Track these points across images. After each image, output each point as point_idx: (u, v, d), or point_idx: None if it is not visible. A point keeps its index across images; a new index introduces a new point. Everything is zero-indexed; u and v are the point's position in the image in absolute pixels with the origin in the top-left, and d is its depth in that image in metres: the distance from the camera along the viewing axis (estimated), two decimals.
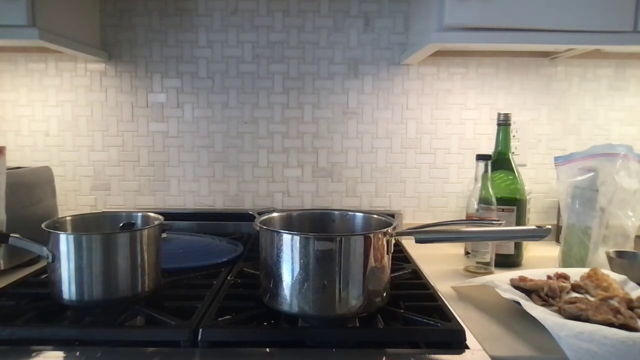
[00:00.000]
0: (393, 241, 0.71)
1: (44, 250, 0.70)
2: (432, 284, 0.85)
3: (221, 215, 1.27)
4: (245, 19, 1.26)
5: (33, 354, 0.61)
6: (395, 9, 1.26)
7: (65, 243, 0.69)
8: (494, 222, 0.78)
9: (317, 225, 0.85)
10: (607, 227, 0.97)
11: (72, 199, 1.30)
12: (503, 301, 0.79)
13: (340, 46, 1.27)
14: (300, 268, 0.66)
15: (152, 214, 0.83)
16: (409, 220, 1.31)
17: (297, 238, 0.66)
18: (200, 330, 0.64)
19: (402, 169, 1.31)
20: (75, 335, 0.66)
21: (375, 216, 0.80)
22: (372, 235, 0.68)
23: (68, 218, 0.80)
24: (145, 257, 0.73)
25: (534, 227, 0.73)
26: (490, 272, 0.97)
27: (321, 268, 0.65)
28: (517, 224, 1.05)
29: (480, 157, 1.01)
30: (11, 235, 0.72)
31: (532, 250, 1.16)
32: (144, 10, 1.25)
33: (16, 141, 1.28)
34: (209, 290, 0.80)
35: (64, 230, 0.78)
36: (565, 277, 0.86)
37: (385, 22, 1.26)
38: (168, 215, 0.84)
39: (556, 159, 1.06)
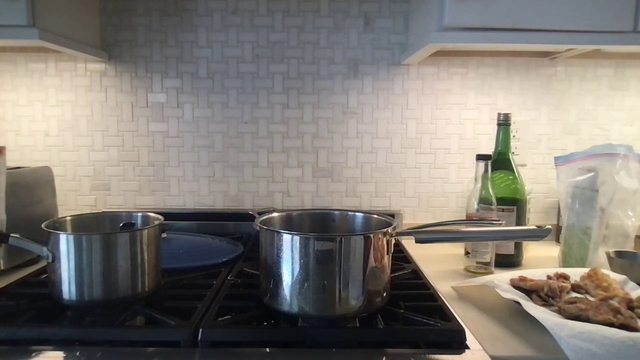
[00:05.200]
0: (393, 241, 0.71)
1: (44, 250, 0.70)
2: (432, 284, 0.85)
3: (221, 215, 1.27)
4: (245, 19, 1.26)
5: (33, 354, 0.61)
6: (395, 9, 1.26)
7: (65, 243, 0.69)
8: (494, 222, 0.78)
9: (317, 225, 0.85)
10: (607, 227, 0.97)
11: (72, 199, 1.30)
12: (503, 301, 0.79)
13: (340, 46, 1.27)
14: (300, 268, 0.66)
15: (152, 214, 0.83)
16: (409, 220, 1.31)
17: (297, 238, 0.66)
18: (200, 330, 0.64)
19: (402, 169, 1.31)
20: (75, 335, 0.66)
21: (375, 216, 0.80)
22: (372, 235, 0.68)
23: (68, 218, 0.80)
24: (145, 257, 0.73)
25: (534, 227, 0.73)
26: (490, 272, 0.97)
27: (321, 268, 0.65)
28: (517, 224, 1.04)
29: (480, 157, 1.00)
30: (11, 235, 0.72)
31: (532, 250, 1.16)
32: (144, 10, 1.25)
33: (16, 141, 1.28)
34: (209, 290, 0.80)
35: (64, 230, 0.78)
36: (565, 277, 0.86)
37: (385, 22, 1.26)
38: (168, 215, 0.84)
39: (556, 159, 1.06)
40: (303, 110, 1.29)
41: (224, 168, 1.30)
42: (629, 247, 0.97)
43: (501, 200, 1.02)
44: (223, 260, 0.97)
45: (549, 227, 0.71)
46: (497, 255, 1.01)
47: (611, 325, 0.65)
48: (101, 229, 0.83)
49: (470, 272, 1.00)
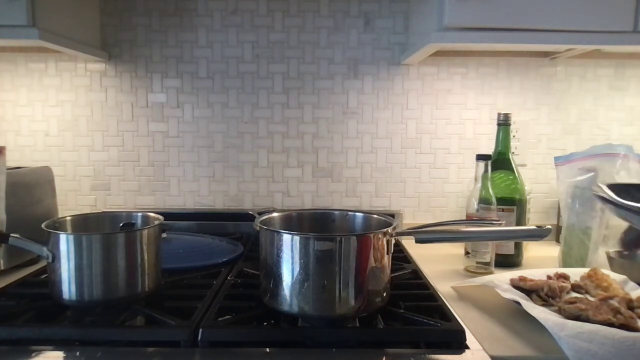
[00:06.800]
0: (393, 241, 0.71)
1: (44, 250, 0.70)
2: (432, 284, 0.85)
3: (221, 215, 1.27)
4: (245, 19, 1.26)
5: (33, 354, 0.61)
6: (395, 9, 1.26)
7: (65, 243, 0.69)
8: (494, 222, 0.78)
9: (317, 225, 0.85)
10: (607, 227, 0.97)
11: (72, 199, 1.30)
12: (503, 301, 0.79)
13: (340, 46, 1.27)
14: (300, 268, 0.66)
15: (152, 214, 0.83)
16: (409, 220, 1.31)
17: (297, 238, 0.66)
18: (200, 330, 0.64)
19: (402, 169, 1.31)
20: (75, 335, 0.66)
21: (375, 216, 0.80)
22: (372, 235, 0.68)
23: (68, 218, 0.80)
24: (145, 257, 0.73)
25: (534, 227, 0.73)
26: (490, 272, 0.97)
27: (321, 268, 0.65)
28: (517, 224, 1.04)
29: (480, 157, 1.01)
30: (11, 235, 0.72)
31: (532, 250, 1.16)
32: (144, 10, 1.25)
33: (16, 141, 1.28)
34: (209, 290, 0.80)
35: (64, 230, 0.78)
36: (565, 277, 0.86)
37: (385, 22, 1.26)
38: (168, 215, 0.84)
39: (556, 159, 1.06)
40: (303, 110, 1.29)
41: (224, 168, 1.30)
42: None
43: (501, 200, 1.02)
44: (223, 260, 0.97)
45: (549, 227, 0.71)
46: (497, 255, 1.01)
47: (611, 325, 0.65)
48: (101, 229, 0.83)
49: (470, 272, 1.00)
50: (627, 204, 0.60)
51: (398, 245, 1.12)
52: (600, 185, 0.65)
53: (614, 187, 0.64)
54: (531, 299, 0.78)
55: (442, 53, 1.23)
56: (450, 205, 1.32)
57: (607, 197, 0.62)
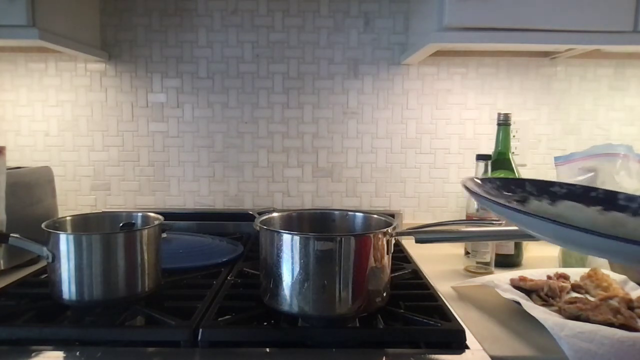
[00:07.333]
0: (393, 241, 0.71)
1: (44, 250, 0.70)
2: (432, 284, 0.85)
3: (221, 215, 1.27)
4: (245, 19, 1.26)
5: (33, 354, 0.61)
6: (395, 9, 1.26)
7: (65, 243, 0.69)
8: (494, 222, 0.78)
9: (317, 225, 0.85)
10: None
11: (72, 199, 1.30)
12: (503, 301, 0.79)
13: (340, 46, 1.27)
14: (300, 268, 0.66)
15: (152, 214, 0.83)
16: (409, 220, 1.31)
17: (297, 238, 0.66)
18: (200, 330, 0.64)
19: (402, 169, 1.31)
20: (75, 335, 0.66)
21: (375, 216, 0.80)
22: (372, 235, 0.68)
23: (68, 218, 0.80)
24: (145, 257, 0.73)
25: None
26: (490, 272, 0.97)
27: (321, 268, 0.65)
28: None
29: (480, 157, 1.01)
30: (11, 235, 0.72)
31: (532, 250, 1.16)
32: (144, 10, 1.25)
33: (16, 141, 1.28)
34: (209, 290, 0.80)
35: (64, 230, 0.78)
36: (565, 277, 0.86)
37: (385, 22, 1.26)
38: (168, 215, 0.84)
39: (556, 159, 1.06)
40: (303, 110, 1.29)
41: (224, 168, 1.30)
42: None
43: None
44: (223, 260, 0.97)
45: None
46: (497, 255, 1.01)
47: (611, 325, 0.65)
48: (101, 229, 0.83)
49: (470, 272, 1.00)
50: (489, 198, 0.57)
51: (398, 245, 1.12)
52: (468, 179, 0.63)
53: (501, 181, 0.62)
54: (531, 299, 0.78)
55: (442, 53, 1.23)
56: (450, 205, 1.32)
57: (470, 189, 0.59)
